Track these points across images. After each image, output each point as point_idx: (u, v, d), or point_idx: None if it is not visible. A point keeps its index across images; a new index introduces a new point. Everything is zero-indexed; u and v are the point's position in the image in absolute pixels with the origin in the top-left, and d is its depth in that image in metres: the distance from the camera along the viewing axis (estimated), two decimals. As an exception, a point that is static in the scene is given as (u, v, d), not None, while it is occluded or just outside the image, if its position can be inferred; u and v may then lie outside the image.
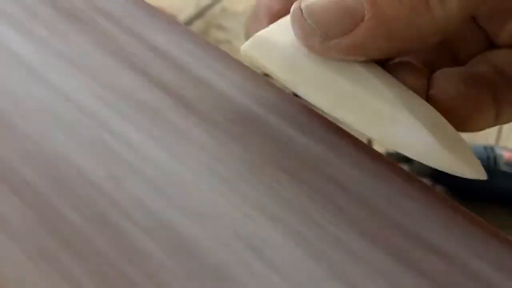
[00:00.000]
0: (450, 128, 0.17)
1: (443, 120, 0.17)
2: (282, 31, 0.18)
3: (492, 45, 0.21)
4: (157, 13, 0.21)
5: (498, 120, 0.19)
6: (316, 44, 0.17)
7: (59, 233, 0.15)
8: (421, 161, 0.17)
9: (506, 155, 0.64)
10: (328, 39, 0.17)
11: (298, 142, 0.18)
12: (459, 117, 0.18)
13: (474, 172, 0.17)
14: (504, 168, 0.63)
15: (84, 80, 0.18)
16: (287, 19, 0.18)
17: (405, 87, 0.18)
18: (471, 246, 0.16)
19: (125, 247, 0.15)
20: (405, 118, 0.17)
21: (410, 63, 0.18)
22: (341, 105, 0.17)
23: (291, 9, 0.18)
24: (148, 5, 0.21)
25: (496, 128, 0.74)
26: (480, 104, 0.18)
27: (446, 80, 0.18)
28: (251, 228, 0.15)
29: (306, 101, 0.18)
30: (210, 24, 0.86)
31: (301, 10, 0.17)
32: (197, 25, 0.86)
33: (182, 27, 0.21)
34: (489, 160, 0.63)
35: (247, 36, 0.19)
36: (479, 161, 0.17)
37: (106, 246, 0.14)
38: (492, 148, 0.65)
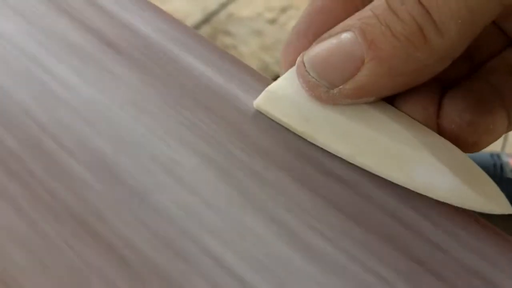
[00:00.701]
0: (470, 162, 0.17)
1: (462, 155, 0.17)
2: (291, 82, 0.18)
3: (510, 42, 0.20)
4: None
5: (511, 126, 0.19)
6: (322, 94, 0.17)
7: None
8: (445, 201, 0.16)
9: (512, 162, 0.64)
10: (332, 88, 0.17)
11: (212, 79, 0.20)
12: (467, 143, 0.18)
13: (500, 207, 0.16)
14: (510, 175, 0.63)
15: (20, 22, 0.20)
16: (294, 70, 0.18)
17: (418, 123, 0.18)
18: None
19: (56, 170, 0.16)
20: (427, 160, 0.16)
21: (416, 94, 0.18)
22: (361, 153, 0.17)
23: (296, 63, 0.18)
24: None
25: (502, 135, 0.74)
26: (489, 126, 0.18)
27: (453, 108, 0.18)
28: (168, 153, 0.17)
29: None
30: (216, 30, 0.87)
31: (304, 64, 0.17)
32: (204, 31, 0.86)
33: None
34: (495, 167, 0.63)
35: (282, 65, 0.20)
36: (503, 194, 0.17)
37: (39, 168, 0.16)
38: (498, 155, 0.65)
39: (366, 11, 0.16)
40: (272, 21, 0.89)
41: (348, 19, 0.17)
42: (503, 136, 0.69)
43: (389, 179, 0.17)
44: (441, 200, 0.16)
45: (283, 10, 0.91)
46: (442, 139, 0.18)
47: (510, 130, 0.19)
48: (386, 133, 0.17)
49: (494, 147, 0.72)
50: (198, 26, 0.87)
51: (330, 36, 0.17)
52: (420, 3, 0.15)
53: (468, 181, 0.16)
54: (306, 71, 0.17)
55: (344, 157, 0.17)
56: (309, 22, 0.19)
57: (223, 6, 0.91)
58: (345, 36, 0.17)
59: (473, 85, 0.19)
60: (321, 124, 0.18)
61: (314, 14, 0.19)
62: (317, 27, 0.18)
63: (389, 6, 0.16)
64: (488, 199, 0.16)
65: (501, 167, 0.63)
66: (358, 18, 0.17)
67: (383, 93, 0.17)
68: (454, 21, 0.15)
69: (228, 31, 0.87)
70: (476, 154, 0.66)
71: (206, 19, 0.88)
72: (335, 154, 0.18)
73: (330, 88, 0.17)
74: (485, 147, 0.18)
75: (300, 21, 0.19)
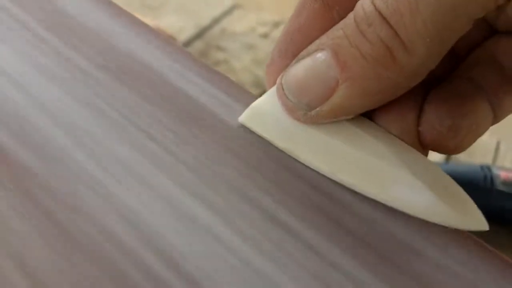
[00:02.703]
0: (447, 179, 0.18)
1: (440, 172, 0.18)
2: (274, 100, 0.19)
3: (492, 30, 0.20)
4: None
5: (496, 120, 0.19)
6: (300, 116, 0.18)
7: None
8: (423, 218, 0.17)
9: (502, 174, 0.64)
10: (310, 110, 0.17)
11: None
12: (448, 148, 0.18)
13: (477, 224, 0.17)
14: (501, 187, 0.63)
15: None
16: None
17: (397, 138, 0.18)
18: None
19: None
20: (405, 177, 0.17)
21: (396, 104, 0.18)
22: (341, 170, 0.18)
23: (276, 84, 0.18)
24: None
25: (493, 147, 0.75)
26: (471, 127, 0.18)
27: (434, 115, 0.18)
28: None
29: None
30: (209, 45, 0.87)
31: (283, 87, 0.18)
32: (197, 46, 0.87)
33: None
34: (486, 180, 0.64)
35: (267, 83, 0.20)
36: (479, 211, 0.17)
37: None
38: (489, 168, 0.65)
39: (337, 30, 0.17)
40: (265, 36, 0.90)
41: (322, 36, 0.17)
42: (494, 148, 0.69)
43: (368, 195, 0.17)
44: (419, 216, 0.17)
45: (276, 25, 0.92)
46: (420, 155, 0.18)
47: (495, 123, 0.19)
48: (365, 150, 0.17)
49: (485, 159, 0.73)
50: (191, 41, 0.87)
51: (308, 54, 0.17)
52: (387, 23, 0.16)
53: (445, 198, 0.17)
54: (284, 94, 0.18)
55: (325, 174, 0.18)
56: (288, 41, 0.19)
57: (216, 21, 0.92)
58: (319, 56, 0.17)
59: (455, 84, 0.19)
60: (302, 141, 0.18)
61: (292, 33, 0.19)
62: (296, 46, 0.19)
63: (357, 27, 0.16)
64: (465, 216, 0.17)
65: (492, 179, 0.64)
66: (331, 37, 0.17)
67: (360, 111, 0.18)
68: (422, 40, 0.15)
69: (221, 46, 0.87)
70: (466, 166, 0.66)
71: (199, 35, 0.89)
72: (317, 170, 0.18)
73: (308, 110, 0.17)
74: (469, 147, 0.18)
75: (279, 41, 0.19)
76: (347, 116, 0.18)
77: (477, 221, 0.17)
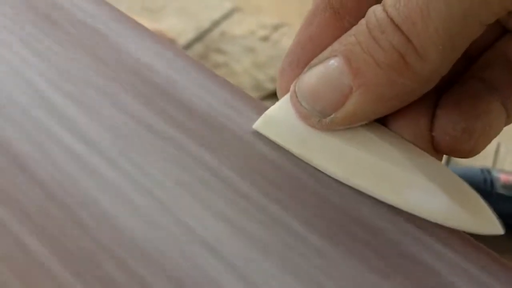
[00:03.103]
0: (461, 183, 0.17)
1: (454, 176, 0.17)
2: (287, 107, 0.19)
3: (504, 30, 0.20)
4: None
5: (509, 120, 0.19)
6: (315, 123, 0.18)
7: None
8: (439, 223, 0.17)
9: (502, 177, 0.64)
10: (324, 117, 0.17)
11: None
12: (462, 151, 0.18)
13: (492, 228, 0.17)
14: (501, 190, 0.63)
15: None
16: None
17: (410, 143, 0.18)
18: None
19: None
20: (419, 182, 0.17)
21: (408, 110, 0.18)
22: (355, 175, 0.17)
23: (290, 91, 0.18)
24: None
25: (493, 150, 0.75)
26: (485, 128, 0.18)
27: (446, 119, 0.18)
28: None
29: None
30: (209, 48, 0.87)
31: (296, 94, 0.18)
32: (197, 49, 0.87)
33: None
34: (485, 183, 0.64)
35: (278, 91, 0.20)
36: (494, 215, 0.17)
37: None
38: (488, 171, 0.65)
39: (350, 36, 0.17)
40: (265, 39, 0.90)
41: (335, 43, 0.17)
42: (494, 151, 0.69)
43: (383, 200, 0.17)
44: (434, 221, 0.17)
45: (276, 27, 0.92)
46: (434, 160, 0.18)
47: (509, 123, 0.19)
48: (379, 155, 0.17)
49: (485, 162, 0.73)
50: (190, 44, 0.88)
51: (320, 62, 0.17)
52: (400, 30, 0.16)
53: (460, 203, 0.17)
54: (298, 101, 0.18)
55: (339, 179, 0.18)
56: (299, 50, 0.19)
57: (216, 24, 0.92)
58: (332, 63, 0.17)
59: (467, 86, 0.19)
60: (317, 147, 0.18)
61: (303, 43, 0.19)
62: (307, 55, 0.19)
63: (370, 33, 0.16)
64: (480, 220, 0.17)
65: (491, 182, 0.64)
66: (343, 43, 0.17)
67: (374, 117, 0.18)
68: (434, 46, 0.15)
69: (221, 49, 0.87)
70: (466, 169, 0.66)
71: (199, 38, 0.89)
72: (331, 175, 0.18)
73: (322, 117, 0.17)
74: (483, 149, 0.18)
75: (290, 50, 0.19)
76: (361, 122, 0.18)
77: (493, 226, 0.17)
